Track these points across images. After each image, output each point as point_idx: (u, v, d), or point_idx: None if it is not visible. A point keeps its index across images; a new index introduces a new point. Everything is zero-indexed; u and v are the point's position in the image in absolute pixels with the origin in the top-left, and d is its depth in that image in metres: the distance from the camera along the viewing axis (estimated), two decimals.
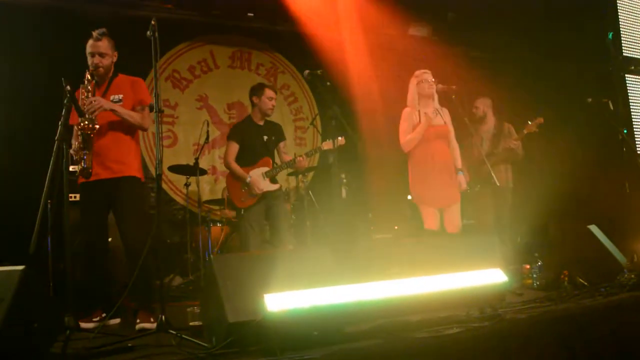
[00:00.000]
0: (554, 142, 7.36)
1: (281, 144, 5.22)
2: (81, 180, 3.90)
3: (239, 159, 5.05)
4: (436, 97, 4.97)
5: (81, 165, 3.75)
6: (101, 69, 4.00)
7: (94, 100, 3.78)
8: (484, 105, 6.12)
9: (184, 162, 6.62)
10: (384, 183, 7.38)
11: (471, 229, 5.67)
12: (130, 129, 4.05)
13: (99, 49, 4.00)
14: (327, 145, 5.09)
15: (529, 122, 5.79)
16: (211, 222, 6.35)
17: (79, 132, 3.73)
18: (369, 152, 7.28)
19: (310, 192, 6.22)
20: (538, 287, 4.63)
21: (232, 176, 5.08)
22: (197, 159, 6.33)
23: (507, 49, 8.32)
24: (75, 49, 4.28)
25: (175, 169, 6.45)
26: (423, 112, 4.88)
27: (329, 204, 6.32)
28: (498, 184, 5.10)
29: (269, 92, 5.07)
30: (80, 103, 3.76)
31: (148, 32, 3.46)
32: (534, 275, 4.73)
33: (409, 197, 6.90)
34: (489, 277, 3.39)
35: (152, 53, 3.44)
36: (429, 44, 8.11)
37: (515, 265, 4.82)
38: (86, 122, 3.69)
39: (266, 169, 5.04)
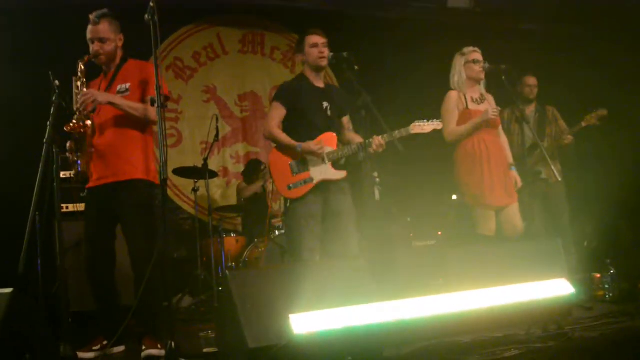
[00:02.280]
0: (617, 132, 7.24)
1: (345, 119, 4.59)
2: (89, 185, 3.94)
3: (290, 131, 4.36)
4: (484, 81, 4.93)
5: (75, 169, 3.79)
6: (102, 56, 4.00)
7: (86, 94, 3.79)
8: (534, 84, 6.06)
9: (190, 164, 6.65)
10: (424, 181, 7.34)
11: (524, 233, 5.59)
12: (138, 124, 3.98)
13: (98, 34, 3.98)
14: (419, 128, 4.38)
15: (591, 114, 5.70)
16: (224, 232, 6.37)
17: (73, 134, 3.77)
18: (405, 145, 7.24)
19: None
20: (611, 300, 4.58)
21: (277, 149, 4.40)
22: (205, 160, 6.36)
23: (564, 22, 8.21)
24: (67, 39, 4.32)
25: (181, 171, 6.48)
26: (470, 97, 4.84)
27: (360, 207, 6.28)
28: (559, 178, 5.03)
29: (312, 38, 4.38)
30: (74, 94, 3.79)
31: (146, 16, 3.48)
32: (606, 286, 4.67)
33: (454, 196, 6.91)
34: (552, 288, 3.35)
35: (151, 39, 3.46)
36: (472, 17, 8.06)
37: (583, 275, 4.77)
38: (74, 122, 3.71)
39: (329, 148, 4.34)
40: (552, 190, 5.75)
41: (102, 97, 3.86)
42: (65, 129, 3.77)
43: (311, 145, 4.24)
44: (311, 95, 4.38)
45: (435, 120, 4.39)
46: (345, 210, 4.35)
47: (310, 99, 4.36)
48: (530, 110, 6.02)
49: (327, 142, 4.35)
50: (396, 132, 4.24)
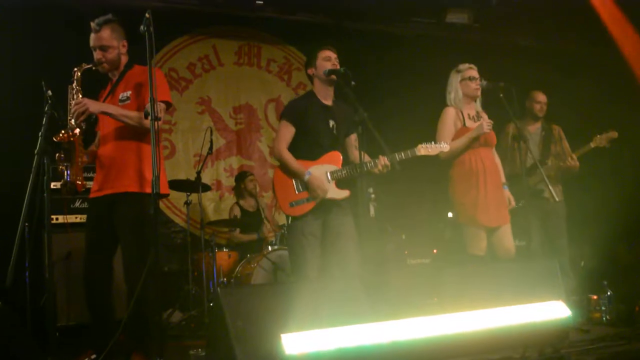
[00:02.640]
0: (618, 154, 7.27)
1: (352, 136, 4.55)
2: (91, 195, 3.97)
3: (295, 150, 4.37)
4: (480, 99, 4.95)
5: (64, 179, 3.79)
6: (105, 64, 4.00)
7: (78, 103, 3.78)
8: (544, 101, 6.04)
9: (183, 177, 6.65)
10: (419, 198, 7.35)
11: (522, 253, 5.58)
12: (138, 134, 3.95)
13: (100, 42, 3.98)
14: (424, 150, 4.40)
15: (601, 135, 5.69)
16: (216, 246, 6.35)
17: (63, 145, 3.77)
18: (401, 161, 7.25)
19: None
20: (608, 323, 4.58)
21: (283, 170, 4.40)
22: (199, 173, 6.36)
23: (565, 38, 8.27)
24: (63, 47, 4.33)
25: (174, 184, 6.44)
26: (467, 114, 4.86)
27: (355, 224, 6.30)
28: (557, 199, 5.03)
29: (323, 53, 4.42)
30: (69, 104, 3.80)
31: (142, 27, 3.50)
32: (603, 308, 4.68)
33: (450, 214, 6.91)
34: (548, 310, 3.35)
35: (145, 50, 3.47)
36: (470, 32, 8.11)
37: (580, 296, 4.77)
38: (62, 132, 3.71)
39: (333, 167, 4.35)
40: (552, 210, 5.73)
41: (95, 106, 3.83)
42: (54, 139, 3.76)
43: (316, 179, 4.23)
44: (318, 113, 4.39)
45: (443, 142, 4.43)
46: (346, 232, 4.34)
47: (317, 117, 4.37)
48: (536, 127, 5.99)
49: (332, 161, 4.36)
50: (402, 153, 4.26)
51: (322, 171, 4.32)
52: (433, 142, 4.39)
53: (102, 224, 3.98)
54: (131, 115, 3.88)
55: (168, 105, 4.05)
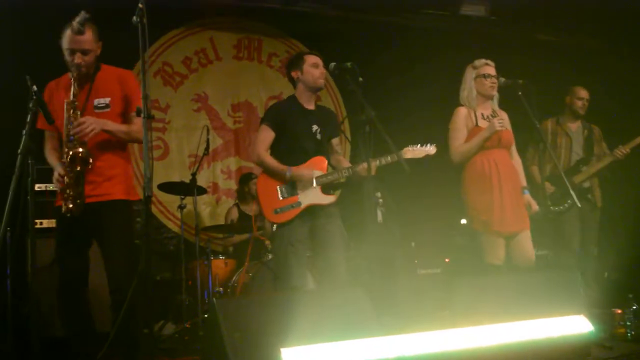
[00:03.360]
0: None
1: (334, 141, 4.76)
2: (58, 203, 3.92)
3: (278, 155, 4.53)
4: (497, 97, 4.94)
5: (75, 202, 3.79)
6: (84, 68, 3.94)
7: (84, 122, 3.76)
8: (586, 97, 6.06)
9: (177, 179, 6.65)
10: (431, 203, 7.34)
11: (545, 263, 5.59)
12: (117, 143, 4.02)
13: (82, 45, 3.90)
14: (411, 153, 4.51)
15: None
16: (212, 254, 6.36)
17: (68, 168, 3.76)
18: (411, 165, 7.25)
19: None
20: (633, 338, 4.56)
21: (266, 175, 4.55)
22: (194, 175, 6.35)
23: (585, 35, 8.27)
24: (44, 39, 4.32)
25: (167, 187, 6.48)
26: (480, 114, 4.85)
27: (360, 230, 6.29)
28: (599, 204, 5.06)
29: (311, 59, 4.61)
30: (65, 119, 3.79)
31: (134, 18, 3.49)
32: (628, 323, 4.65)
33: (463, 220, 6.90)
34: (569, 325, 3.35)
35: (138, 43, 3.46)
36: (486, 26, 8.11)
37: (603, 310, 4.75)
38: (73, 150, 3.73)
39: (318, 172, 4.49)
40: (589, 216, 5.77)
41: (99, 125, 3.82)
42: (63, 160, 3.81)
43: (302, 169, 4.41)
44: (301, 118, 4.56)
45: (429, 144, 4.50)
46: (333, 240, 4.47)
47: (299, 122, 4.54)
48: (577, 126, 6.07)
49: (317, 165, 4.51)
50: (388, 157, 4.37)
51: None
52: (419, 145, 4.47)
53: (78, 233, 3.96)
54: (126, 130, 3.96)
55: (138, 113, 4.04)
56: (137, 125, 3.92)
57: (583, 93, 6.02)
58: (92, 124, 3.77)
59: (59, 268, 4.04)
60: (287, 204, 4.42)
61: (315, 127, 4.57)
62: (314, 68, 4.55)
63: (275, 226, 4.48)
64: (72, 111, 3.85)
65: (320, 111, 4.72)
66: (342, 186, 6.06)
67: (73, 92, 3.87)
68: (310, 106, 4.63)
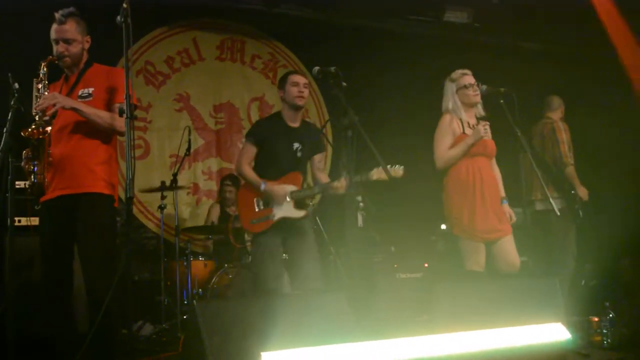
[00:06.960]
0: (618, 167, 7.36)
1: (317, 157, 5.00)
2: (43, 198, 3.89)
3: (258, 168, 4.82)
4: (480, 103, 4.96)
5: (30, 179, 3.76)
6: (67, 58, 3.97)
7: (47, 97, 3.76)
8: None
9: (158, 178, 6.61)
10: (411, 208, 7.36)
11: (524, 269, 5.61)
12: (100, 133, 3.97)
13: (64, 34, 3.95)
14: (378, 174, 4.47)
15: None
16: (192, 254, 6.34)
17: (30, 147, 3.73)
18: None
19: (317, 219, 6.20)
20: (609, 347, 4.59)
21: (246, 187, 4.91)
22: (175, 175, 6.33)
23: (570, 40, 8.33)
24: (29, 39, 4.30)
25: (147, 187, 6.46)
26: (466, 121, 4.87)
27: (341, 234, 6.30)
28: (558, 214, 5.08)
29: (293, 77, 4.84)
30: (34, 102, 3.77)
31: (118, 17, 3.49)
32: (604, 331, 4.68)
33: (443, 226, 6.93)
34: (547, 333, 3.36)
35: (119, 42, 3.46)
36: (470, 32, 8.16)
37: (580, 318, 4.78)
38: (33, 127, 3.68)
39: (293, 187, 4.73)
40: (566, 221, 5.86)
41: (66, 102, 3.81)
42: (22, 133, 3.73)
43: (275, 185, 4.68)
44: (283, 136, 4.82)
45: (397, 166, 4.49)
46: (306, 250, 4.78)
47: (281, 139, 4.81)
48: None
49: (291, 181, 4.76)
50: (358, 177, 4.49)
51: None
52: (389, 166, 4.40)
53: (59, 229, 3.93)
54: (102, 115, 3.89)
55: (134, 108, 4.03)
56: (115, 117, 3.92)
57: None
58: (54, 98, 3.76)
59: (43, 265, 3.99)
60: (263, 216, 4.72)
61: (296, 145, 4.84)
62: (293, 86, 4.78)
63: (253, 234, 4.81)
64: (40, 89, 3.85)
65: (304, 128, 4.95)
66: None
67: (61, 85, 3.88)
68: (295, 124, 4.87)
